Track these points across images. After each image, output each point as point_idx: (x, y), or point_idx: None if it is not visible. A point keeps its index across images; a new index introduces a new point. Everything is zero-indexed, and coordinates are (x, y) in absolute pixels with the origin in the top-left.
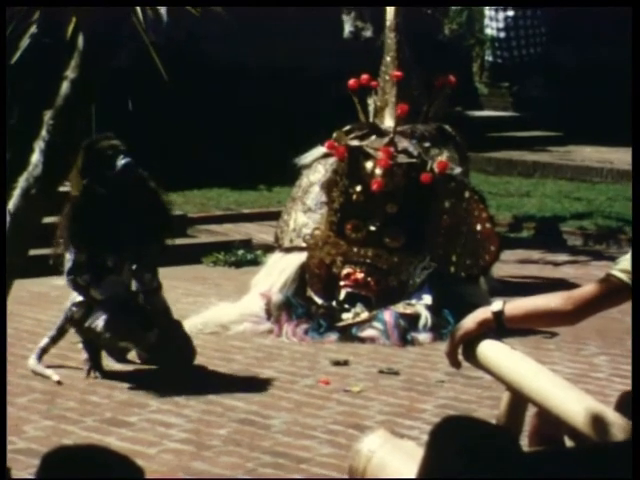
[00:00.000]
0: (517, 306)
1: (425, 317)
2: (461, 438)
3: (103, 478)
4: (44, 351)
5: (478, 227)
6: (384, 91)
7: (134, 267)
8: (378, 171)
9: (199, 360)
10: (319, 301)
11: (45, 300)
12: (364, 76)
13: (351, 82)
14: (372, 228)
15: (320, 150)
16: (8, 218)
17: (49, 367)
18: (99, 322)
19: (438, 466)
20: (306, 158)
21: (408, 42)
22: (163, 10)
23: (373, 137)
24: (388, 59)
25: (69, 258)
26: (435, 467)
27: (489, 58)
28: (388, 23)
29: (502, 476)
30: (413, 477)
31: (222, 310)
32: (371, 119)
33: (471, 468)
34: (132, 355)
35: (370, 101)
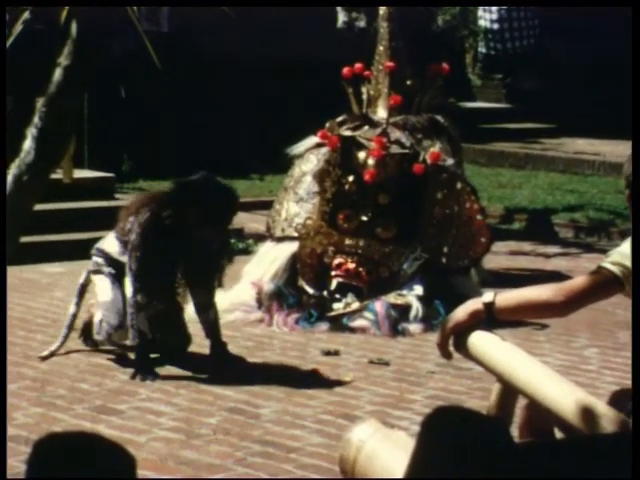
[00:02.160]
0: (508, 297)
1: (416, 308)
2: (453, 429)
3: (95, 465)
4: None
5: (469, 219)
6: (377, 81)
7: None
8: (371, 161)
9: (190, 348)
10: (310, 291)
11: (36, 287)
12: (358, 65)
13: (345, 71)
14: (364, 218)
15: (312, 140)
16: None
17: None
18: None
19: (429, 457)
20: (298, 148)
21: (402, 32)
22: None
23: (366, 127)
24: (381, 49)
25: (132, 280)
26: (426, 458)
27: (482, 50)
28: (381, 12)
29: (494, 468)
30: (403, 467)
31: None
32: (364, 109)
33: (462, 460)
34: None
35: (363, 90)
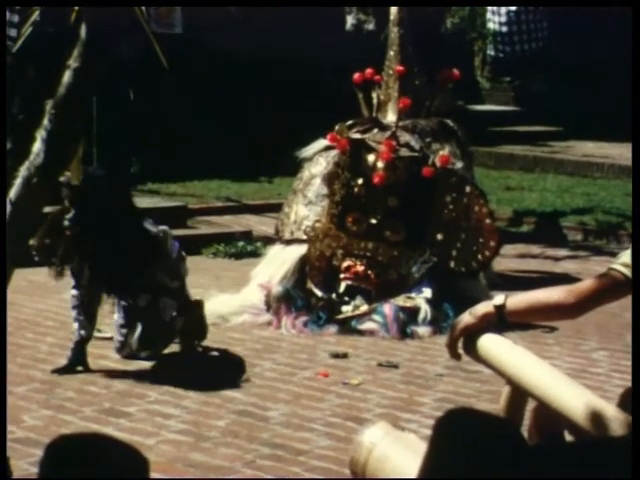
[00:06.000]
0: (519, 300)
1: (425, 311)
2: (465, 431)
3: (109, 466)
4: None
5: (478, 222)
6: (387, 85)
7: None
8: (380, 164)
9: (198, 351)
10: (319, 293)
11: (45, 289)
12: (369, 70)
13: (356, 76)
14: (373, 221)
15: (322, 143)
16: (9, 207)
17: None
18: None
19: (442, 459)
20: (308, 151)
21: (412, 36)
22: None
23: (375, 130)
24: (392, 53)
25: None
26: (439, 460)
27: (491, 52)
28: (392, 17)
29: (506, 470)
30: (415, 469)
31: (222, 301)
32: (374, 113)
33: (475, 462)
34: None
35: (374, 95)
